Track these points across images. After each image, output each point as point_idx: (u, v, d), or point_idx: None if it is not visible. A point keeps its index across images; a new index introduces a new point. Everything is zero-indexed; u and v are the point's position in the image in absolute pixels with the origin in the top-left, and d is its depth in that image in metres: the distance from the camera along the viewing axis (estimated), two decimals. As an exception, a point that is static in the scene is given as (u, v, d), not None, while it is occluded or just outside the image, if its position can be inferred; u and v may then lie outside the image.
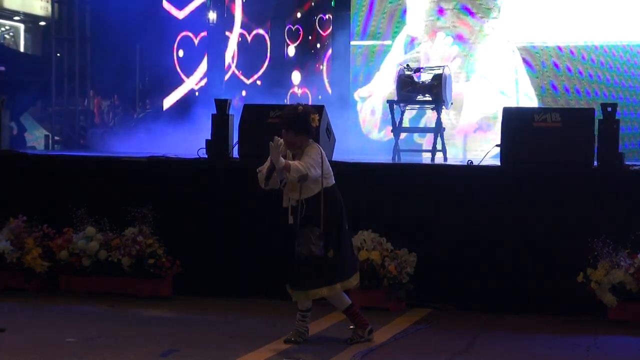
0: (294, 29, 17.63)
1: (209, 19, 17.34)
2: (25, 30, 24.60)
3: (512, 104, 14.48)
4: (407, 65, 12.40)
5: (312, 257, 7.17)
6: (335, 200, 7.31)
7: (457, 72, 14.65)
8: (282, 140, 7.14)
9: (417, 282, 8.85)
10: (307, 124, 7.19)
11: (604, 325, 8.31)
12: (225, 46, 17.15)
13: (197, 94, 17.01)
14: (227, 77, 17.10)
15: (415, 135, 14.46)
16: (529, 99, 14.81)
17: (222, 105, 9.88)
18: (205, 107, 12.98)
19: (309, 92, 17.26)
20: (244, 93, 17.07)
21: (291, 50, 17.64)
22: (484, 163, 9.54)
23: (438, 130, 11.76)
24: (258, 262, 9.38)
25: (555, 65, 14.68)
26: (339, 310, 7.47)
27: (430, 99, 11.80)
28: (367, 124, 15.69)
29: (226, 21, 17.28)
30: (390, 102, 12.01)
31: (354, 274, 7.46)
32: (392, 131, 11.94)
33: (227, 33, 17.24)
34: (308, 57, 17.47)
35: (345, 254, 7.35)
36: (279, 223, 7.52)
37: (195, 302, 9.08)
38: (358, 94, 15.79)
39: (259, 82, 17.41)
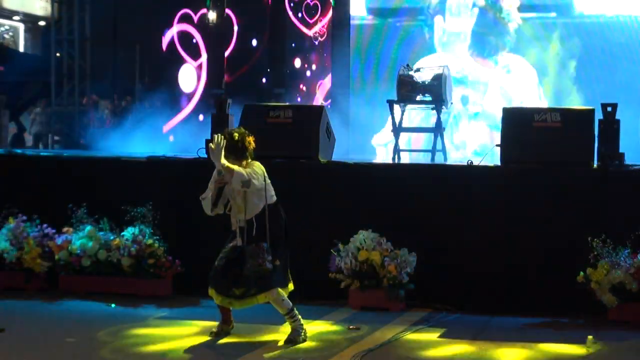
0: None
1: (209, 19, 17.33)
2: (25, 30, 24.59)
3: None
4: (407, 65, 12.36)
5: (261, 270, 7.37)
6: (280, 216, 7.57)
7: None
8: (222, 138, 7.28)
9: (417, 282, 8.84)
10: (244, 148, 7.45)
11: (604, 325, 8.29)
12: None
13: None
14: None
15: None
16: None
17: (221, 105, 9.86)
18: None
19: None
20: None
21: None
22: (483, 163, 9.53)
23: (438, 130, 11.73)
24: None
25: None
26: (282, 313, 7.57)
27: (430, 98, 11.77)
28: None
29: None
30: (390, 102, 11.98)
31: (288, 283, 7.65)
32: (392, 131, 11.92)
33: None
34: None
35: (284, 264, 7.57)
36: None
37: (195, 302, 9.06)
38: (376, 141, 15.69)
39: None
